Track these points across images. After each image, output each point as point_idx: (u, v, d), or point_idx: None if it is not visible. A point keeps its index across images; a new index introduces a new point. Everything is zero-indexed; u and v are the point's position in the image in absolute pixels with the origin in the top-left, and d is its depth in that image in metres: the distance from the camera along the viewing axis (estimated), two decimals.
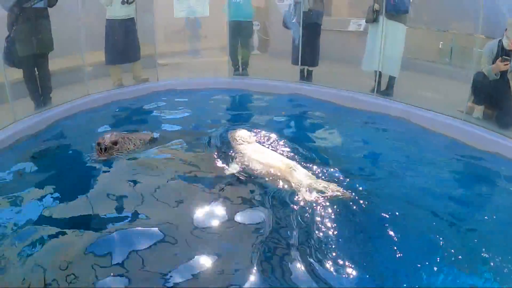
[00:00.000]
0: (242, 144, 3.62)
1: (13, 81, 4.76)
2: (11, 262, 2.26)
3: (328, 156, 3.64)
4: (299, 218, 2.63)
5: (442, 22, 6.82)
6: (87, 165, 3.52)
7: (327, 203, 2.73)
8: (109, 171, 3.39)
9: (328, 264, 2.26)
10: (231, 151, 3.59)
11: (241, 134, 3.79)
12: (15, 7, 4.67)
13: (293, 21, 6.06)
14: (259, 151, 3.47)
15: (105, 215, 2.75)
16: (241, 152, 3.48)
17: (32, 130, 4.48)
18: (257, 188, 3.06)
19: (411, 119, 4.71)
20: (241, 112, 5.31)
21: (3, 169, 3.49)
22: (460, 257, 2.32)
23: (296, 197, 2.84)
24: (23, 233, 2.52)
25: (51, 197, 3.03)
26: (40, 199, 2.98)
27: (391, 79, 5.34)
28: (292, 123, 4.84)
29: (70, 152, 4.02)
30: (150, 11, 6.37)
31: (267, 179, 3.12)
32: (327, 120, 4.85)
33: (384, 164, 3.63)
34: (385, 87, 5.36)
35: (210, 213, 2.74)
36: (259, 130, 4.08)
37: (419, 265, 2.25)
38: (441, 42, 7.02)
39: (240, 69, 6.70)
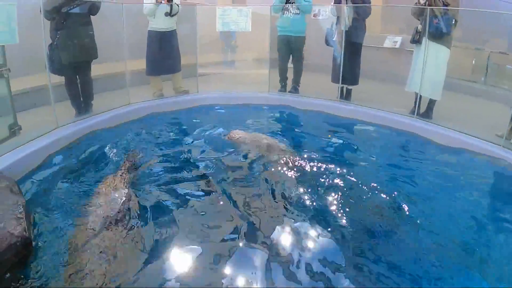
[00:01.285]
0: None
1: (55, 84, 4.90)
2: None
3: (360, 177, 3.74)
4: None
5: (475, 39, 6.81)
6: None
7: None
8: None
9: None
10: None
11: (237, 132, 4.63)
12: (58, 15, 4.85)
13: (334, 39, 6.16)
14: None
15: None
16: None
17: (72, 138, 4.65)
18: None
19: (451, 144, 4.70)
20: (281, 129, 5.40)
21: (46, 178, 3.70)
22: None
23: None
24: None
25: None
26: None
27: (431, 101, 5.36)
28: (337, 145, 4.87)
29: (107, 163, 4.17)
30: (193, 23, 6.54)
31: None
32: (364, 141, 4.94)
33: (418, 189, 3.66)
34: (425, 109, 5.39)
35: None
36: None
37: None
38: (474, 59, 7.04)
39: (290, 86, 6.78)
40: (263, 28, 6.81)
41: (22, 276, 2.38)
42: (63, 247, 2.64)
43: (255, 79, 7.37)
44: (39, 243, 2.68)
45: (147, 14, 6.07)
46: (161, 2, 5.92)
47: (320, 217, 3.04)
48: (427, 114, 5.34)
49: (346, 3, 5.87)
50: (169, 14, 6.07)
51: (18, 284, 2.32)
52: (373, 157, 4.39)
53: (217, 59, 9.07)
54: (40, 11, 4.59)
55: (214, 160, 4.13)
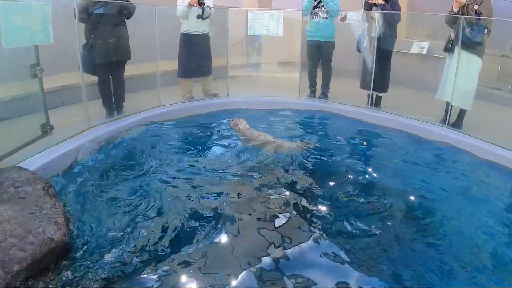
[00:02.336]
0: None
1: (88, 83, 5.05)
2: None
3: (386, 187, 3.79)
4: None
5: (501, 45, 6.67)
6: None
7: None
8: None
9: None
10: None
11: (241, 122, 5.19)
12: (90, 17, 4.98)
13: (364, 45, 6.14)
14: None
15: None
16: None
17: (104, 138, 4.75)
18: None
19: (481, 154, 4.67)
20: (310, 135, 5.42)
21: (78, 179, 3.80)
22: None
23: None
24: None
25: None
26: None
27: (462, 111, 5.33)
28: (366, 153, 4.91)
29: (139, 164, 4.28)
30: (224, 26, 6.62)
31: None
32: (394, 150, 4.93)
33: (444, 201, 3.64)
34: (455, 119, 5.37)
35: None
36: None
37: None
38: (499, 66, 6.92)
39: (319, 91, 6.80)
40: (293, 31, 6.90)
41: (58, 280, 2.45)
42: (98, 250, 2.73)
43: (285, 83, 7.42)
44: (75, 246, 2.75)
45: (179, 16, 6.17)
46: (193, 5, 5.99)
47: (342, 224, 3.13)
48: (457, 123, 5.31)
49: (377, 10, 5.85)
50: (201, 17, 6.13)
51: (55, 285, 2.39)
52: (402, 166, 4.40)
53: (247, 61, 9.12)
54: (74, 13, 4.72)
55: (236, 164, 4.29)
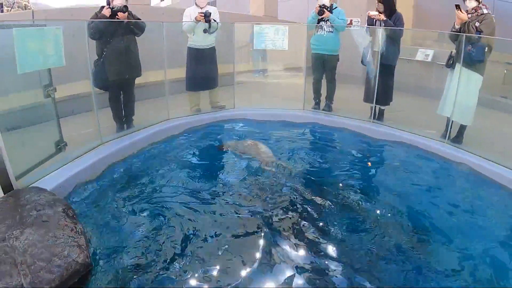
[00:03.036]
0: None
1: (98, 93, 5.28)
2: None
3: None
4: None
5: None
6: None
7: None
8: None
9: None
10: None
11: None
12: (102, 35, 5.21)
13: (368, 59, 6.32)
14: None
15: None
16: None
17: (117, 155, 5.01)
18: None
19: (481, 171, 4.73)
20: (311, 149, 5.63)
21: (94, 196, 4.07)
22: None
23: None
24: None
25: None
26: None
27: (462, 126, 5.46)
28: (366, 168, 5.07)
29: (153, 180, 4.53)
30: (231, 39, 6.86)
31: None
32: (393, 165, 5.08)
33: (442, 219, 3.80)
34: (456, 134, 5.49)
35: None
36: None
37: None
38: (505, 70, 7.05)
39: (323, 103, 6.99)
40: (299, 37, 7.08)
41: None
42: (116, 266, 3.01)
43: (291, 91, 7.65)
44: (95, 263, 3.02)
45: (186, 30, 6.38)
46: (200, 20, 6.21)
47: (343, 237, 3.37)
48: (457, 139, 5.44)
49: (380, 25, 6.02)
50: (208, 31, 6.33)
51: None
52: (399, 182, 4.57)
53: (253, 67, 9.29)
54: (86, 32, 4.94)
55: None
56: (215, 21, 6.36)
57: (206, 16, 6.19)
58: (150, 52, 6.05)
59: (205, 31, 6.35)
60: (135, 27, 5.48)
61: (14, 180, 3.65)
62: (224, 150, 5.42)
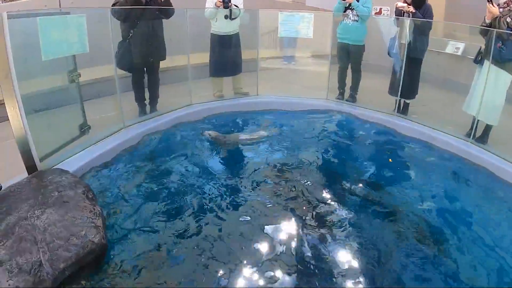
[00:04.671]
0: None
1: (121, 76, 5.44)
2: None
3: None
4: None
5: None
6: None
7: None
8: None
9: None
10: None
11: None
12: (130, 15, 5.37)
13: (394, 51, 6.33)
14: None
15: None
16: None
17: (138, 139, 5.24)
18: None
19: (502, 175, 4.66)
20: (334, 141, 5.72)
21: (114, 179, 4.33)
22: None
23: None
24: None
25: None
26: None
27: (488, 126, 5.38)
28: (385, 164, 5.11)
29: (173, 165, 4.75)
30: (255, 27, 6.93)
31: None
32: (413, 162, 5.13)
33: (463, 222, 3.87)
34: (481, 134, 5.43)
35: None
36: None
37: None
38: None
39: (347, 94, 7.03)
40: (324, 25, 7.11)
41: (97, 276, 2.98)
42: (130, 248, 3.28)
43: (315, 79, 7.71)
44: (111, 243, 3.29)
45: (208, 17, 6.54)
46: (219, 7, 6.35)
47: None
48: (482, 139, 5.36)
49: (408, 16, 5.99)
50: (229, 17, 6.48)
51: (91, 283, 2.92)
52: (421, 180, 4.65)
53: (278, 54, 9.35)
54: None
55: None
56: (236, 7, 6.48)
57: (225, 2, 6.31)
58: (173, 37, 6.21)
59: (226, 17, 6.49)
60: (161, 13, 5.66)
61: (38, 161, 3.90)
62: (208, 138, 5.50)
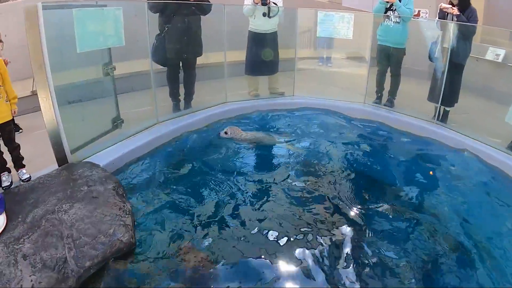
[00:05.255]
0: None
1: (156, 71, 5.40)
2: None
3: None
4: None
5: None
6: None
7: None
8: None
9: None
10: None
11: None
12: (167, 8, 5.31)
13: (436, 55, 6.07)
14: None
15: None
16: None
17: (171, 135, 5.15)
18: None
19: None
20: (367, 148, 5.44)
21: (146, 175, 4.25)
22: None
23: None
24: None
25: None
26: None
27: None
28: (423, 175, 4.80)
29: (205, 164, 4.64)
30: (293, 26, 6.77)
31: None
32: (453, 174, 4.78)
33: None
34: None
35: None
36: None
37: None
38: None
39: (385, 98, 6.73)
40: (364, 30, 6.84)
41: (123, 275, 2.85)
42: (159, 248, 3.14)
43: (353, 81, 7.50)
44: (140, 242, 3.16)
45: (246, 14, 6.42)
46: (257, 4, 6.23)
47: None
48: None
49: (452, 19, 5.72)
50: (267, 15, 6.35)
51: (119, 281, 2.79)
52: (459, 194, 4.32)
53: (315, 54, 9.16)
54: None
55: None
56: (275, 4, 6.35)
57: (263, 0, 6.20)
58: (210, 33, 6.13)
59: (264, 14, 6.37)
60: (197, 9, 5.57)
61: (69, 153, 3.86)
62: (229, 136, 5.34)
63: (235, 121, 5.94)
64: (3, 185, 3.55)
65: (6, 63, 3.77)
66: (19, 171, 3.89)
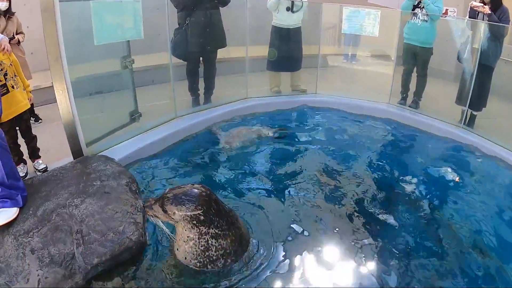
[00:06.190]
0: None
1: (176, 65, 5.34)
2: None
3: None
4: None
5: None
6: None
7: None
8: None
9: None
10: None
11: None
12: (187, 1, 5.25)
13: (465, 56, 5.87)
14: None
15: None
16: None
17: (189, 130, 5.09)
18: None
19: None
20: (391, 151, 5.29)
21: (161, 170, 4.19)
22: None
23: None
24: None
25: None
26: None
27: None
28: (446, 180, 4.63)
29: (223, 161, 4.58)
30: (318, 21, 6.65)
31: None
32: (480, 183, 4.51)
33: None
34: None
35: None
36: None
37: None
38: None
39: (410, 99, 6.51)
40: (390, 28, 6.66)
41: (132, 274, 2.80)
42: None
43: (376, 82, 7.30)
44: (152, 242, 3.10)
45: (269, 8, 6.31)
46: None
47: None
48: None
49: (482, 19, 5.51)
50: (291, 9, 6.23)
51: (128, 280, 2.74)
52: (485, 205, 4.09)
53: (340, 51, 9.01)
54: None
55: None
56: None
57: None
58: (232, 27, 6.07)
59: (287, 9, 6.25)
60: (218, 1, 5.52)
61: (84, 146, 3.84)
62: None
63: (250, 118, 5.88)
64: None
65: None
66: (35, 162, 3.91)
